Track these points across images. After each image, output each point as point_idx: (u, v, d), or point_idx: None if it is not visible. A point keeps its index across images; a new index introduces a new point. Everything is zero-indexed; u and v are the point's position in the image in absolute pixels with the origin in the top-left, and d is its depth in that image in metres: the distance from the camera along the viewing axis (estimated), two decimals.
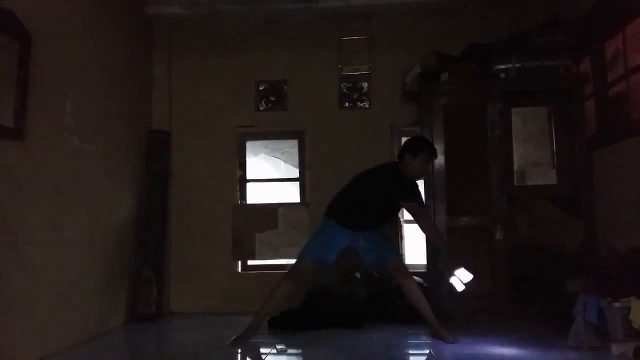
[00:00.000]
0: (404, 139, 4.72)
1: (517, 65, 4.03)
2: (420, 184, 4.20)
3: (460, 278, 3.28)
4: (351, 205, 3.40)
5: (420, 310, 3.34)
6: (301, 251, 3.45)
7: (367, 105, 4.73)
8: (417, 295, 3.35)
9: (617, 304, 2.83)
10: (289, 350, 3.26)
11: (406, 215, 4.64)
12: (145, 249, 4.31)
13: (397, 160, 3.51)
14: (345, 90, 4.77)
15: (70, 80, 3.34)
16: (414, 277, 4.04)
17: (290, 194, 4.88)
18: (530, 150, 4.16)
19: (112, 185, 3.94)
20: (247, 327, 3.35)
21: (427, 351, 3.08)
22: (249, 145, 4.95)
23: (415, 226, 4.53)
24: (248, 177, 4.91)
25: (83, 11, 3.54)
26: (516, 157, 4.12)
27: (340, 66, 4.74)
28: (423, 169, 3.43)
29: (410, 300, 3.36)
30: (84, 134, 3.47)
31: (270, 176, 5.17)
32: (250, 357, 3.21)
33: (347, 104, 4.77)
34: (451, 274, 3.30)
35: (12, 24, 2.74)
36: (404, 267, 3.52)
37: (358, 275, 4.07)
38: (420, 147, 3.40)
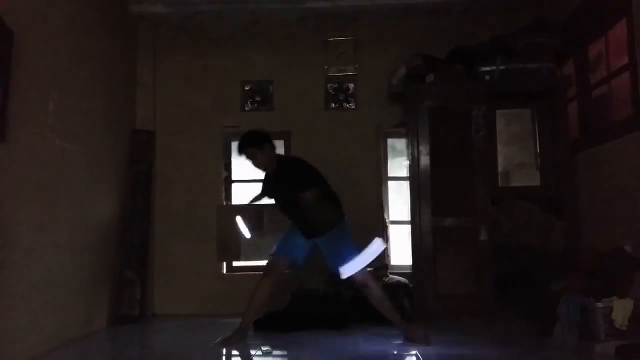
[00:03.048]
0: (390, 140, 4.77)
1: (502, 67, 4.07)
2: (403, 185, 4.23)
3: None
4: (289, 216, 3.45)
5: (387, 316, 3.30)
6: (275, 247, 3.48)
7: (354, 107, 4.73)
8: (381, 302, 3.30)
9: (600, 304, 2.87)
10: (274, 352, 3.25)
11: (392, 216, 4.66)
12: (128, 251, 4.26)
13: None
14: (331, 91, 4.76)
15: (53, 80, 3.29)
16: (400, 278, 4.09)
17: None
18: (515, 152, 4.21)
19: (95, 186, 3.90)
20: (235, 330, 3.33)
21: (413, 352, 3.09)
22: (235, 145, 4.88)
23: (400, 227, 4.59)
24: (234, 178, 4.88)
25: (66, 10, 3.49)
26: (500, 159, 4.16)
27: (326, 67, 4.74)
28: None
29: (375, 307, 3.31)
30: (66, 134, 3.42)
31: (256, 177, 5.13)
32: (234, 359, 3.19)
33: (333, 105, 4.76)
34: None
35: None
36: (366, 276, 3.34)
37: None
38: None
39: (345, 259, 3.19)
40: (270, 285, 3.40)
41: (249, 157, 3.38)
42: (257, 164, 3.40)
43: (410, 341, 3.23)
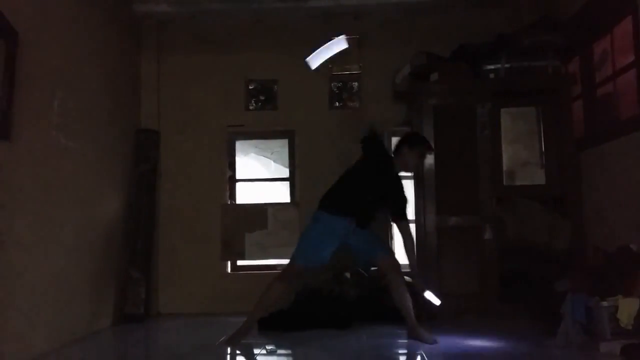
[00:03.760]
0: (394, 139, 4.75)
1: (507, 65, 4.05)
2: (410, 185, 4.23)
3: (431, 299, 3.40)
4: (346, 195, 3.34)
5: (401, 308, 3.32)
6: (294, 252, 3.35)
7: (357, 105, 4.73)
8: (401, 293, 3.33)
9: (605, 303, 2.85)
10: (279, 351, 3.24)
11: None
12: (133, 249, 4.28)
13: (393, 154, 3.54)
14: (335, 89, 4.76)
15: (57, 79, 3.30)
16: (405, 276, 4.09)
17: (280, 193, 4.87)
18: (519, 150, 4.18)
19: (100, 185, 3.91)
20: (239, 328, 3.33)
21: (418, 351, 3.08)
22: (239, 144, 4.93)
23: None
24: (238, 177, 4.88)
25: (71, 9, 3.50)
26: (505, 157, 4.14)
27: (330, 66, 4.73)
28: (417, 163, 3.59)
29: (394, 296, 3.34)
30: (71, 133, 3.43)
31: (260, 176, 5.15)
32: (239, 358, 3.20)
33: (337, 104, 4.76)
34: (423, 292, 3.40)
35: None
36: (396, 263, 3.43)
37: (348, 275, 4.06)
38: (419, 141, 3.55)
39: (375, 245, 3.42)
40: (285, 290, 3.41)
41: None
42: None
43: (418, 340, 3.22)
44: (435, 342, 3.18)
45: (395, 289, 3.34)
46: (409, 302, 3.35)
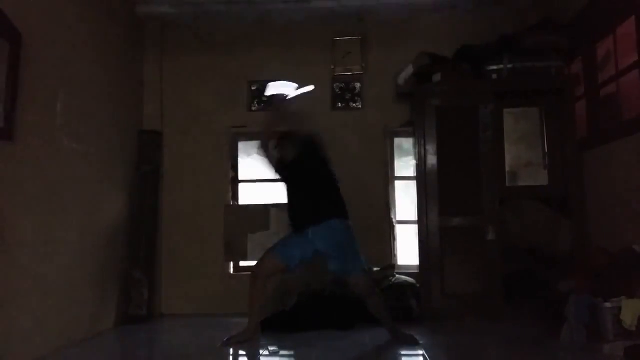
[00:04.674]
0: (396, 140, 4.75)
1: (509, 66, 4.05)
2: (410, 184, 4.23)
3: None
4: (289, 203, 3.47)
5: (382, 319, 3.35)
6: (269, 248, 3.43)
7: (360, 106, 4.72)
8: (381, 308, 3.35)
9: (608, 304, 2.85)
10: (281, 352, 3.25)
11: (398, 216, 4.65)
12: (136, 250, 4.28)
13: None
14: (338, 90, 4.76)
15: (60, 81, 3.31)
16: (407, 277, 4.09)
17: (283, 194, 4.85)
18: (522, 151, 4.19)
19: (103, 186, 3.92)
20: (243, 330, 3.33)
21: (420, 352, 3.08)
22: (242, 145, 4.93)
23: (407, 227, 4.58)
24: (240, 178, 4.89)
25: (74, 11, 3.51)
26: (508, 158, 4.14)
27: (332, 66, 4.73)
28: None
29: (375, 314, 3.36)
30: (74, 134, 3.44)
31: (263, 177, 5.14)
32: (241, 359, 3.20)
33: (339, 105, 4.76)
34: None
35: (2, 24, 2.70)
36: (366, 285, 3.37)
37: None
38: None
39: (350, 261, 3.25)
40: (267, 287, 3.46)
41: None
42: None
43: (400, 341, 3.26)
44: (419, 342, 3.19)
45: (375, 309, 3.35)
46: (387, 311, 3.37)
